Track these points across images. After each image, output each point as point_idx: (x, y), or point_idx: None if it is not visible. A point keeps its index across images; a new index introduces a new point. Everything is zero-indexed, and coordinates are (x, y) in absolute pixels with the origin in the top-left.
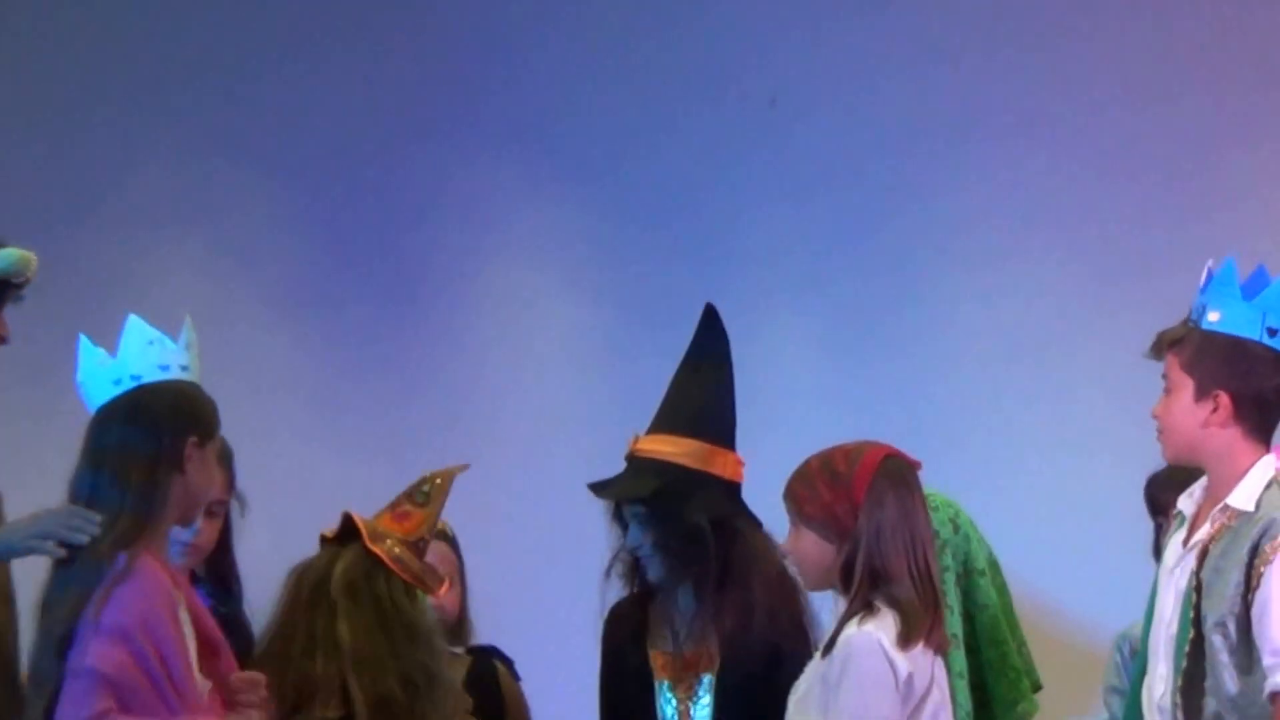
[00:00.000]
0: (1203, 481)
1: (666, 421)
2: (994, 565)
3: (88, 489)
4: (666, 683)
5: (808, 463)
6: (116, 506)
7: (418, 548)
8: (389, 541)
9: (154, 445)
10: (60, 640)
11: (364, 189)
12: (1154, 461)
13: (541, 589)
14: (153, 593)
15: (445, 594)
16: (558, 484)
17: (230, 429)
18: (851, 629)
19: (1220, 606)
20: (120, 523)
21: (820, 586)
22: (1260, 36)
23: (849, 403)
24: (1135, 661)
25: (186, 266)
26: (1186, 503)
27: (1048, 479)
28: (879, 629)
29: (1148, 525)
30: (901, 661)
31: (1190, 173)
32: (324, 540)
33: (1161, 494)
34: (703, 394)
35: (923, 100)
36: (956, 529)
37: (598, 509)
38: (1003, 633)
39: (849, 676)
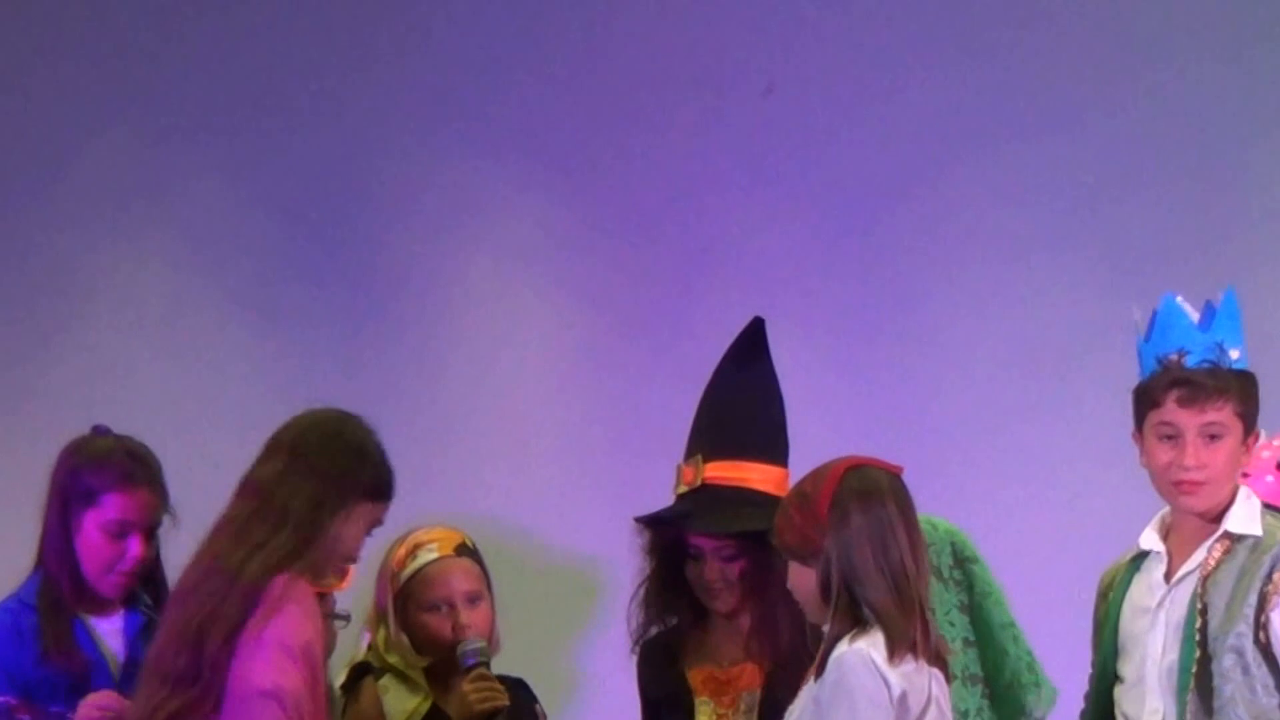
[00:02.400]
0: (1164, 520)
1: (739, 446)
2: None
3: (270, 481)
4: (708, 700)
5: (788, 494)
6: (278, 522)
7: None
8: None
9: (338, 483)
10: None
11: (341, 188)
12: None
13: (521, 595)
14: (314, 617)
15: (474, 612)
16: (538, 491)
17: (193, 429)
18: (843, 647)
19: (1234, 626)
20: (278, 542)
21: (821, 619)
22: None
23: (846, 409)
24: (1092, 702)
25: (144, 258)
26: (1154, 540)
27: (1049, 489)
28: (870, 646)
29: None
30: (895, 678)
31: (1196, 180)
32: None
33: None
34: (765, 412)
35: (925, 93)
36: (935, 527)
37: (577, 515)
38: (1010, 615)
39: (840, 694)
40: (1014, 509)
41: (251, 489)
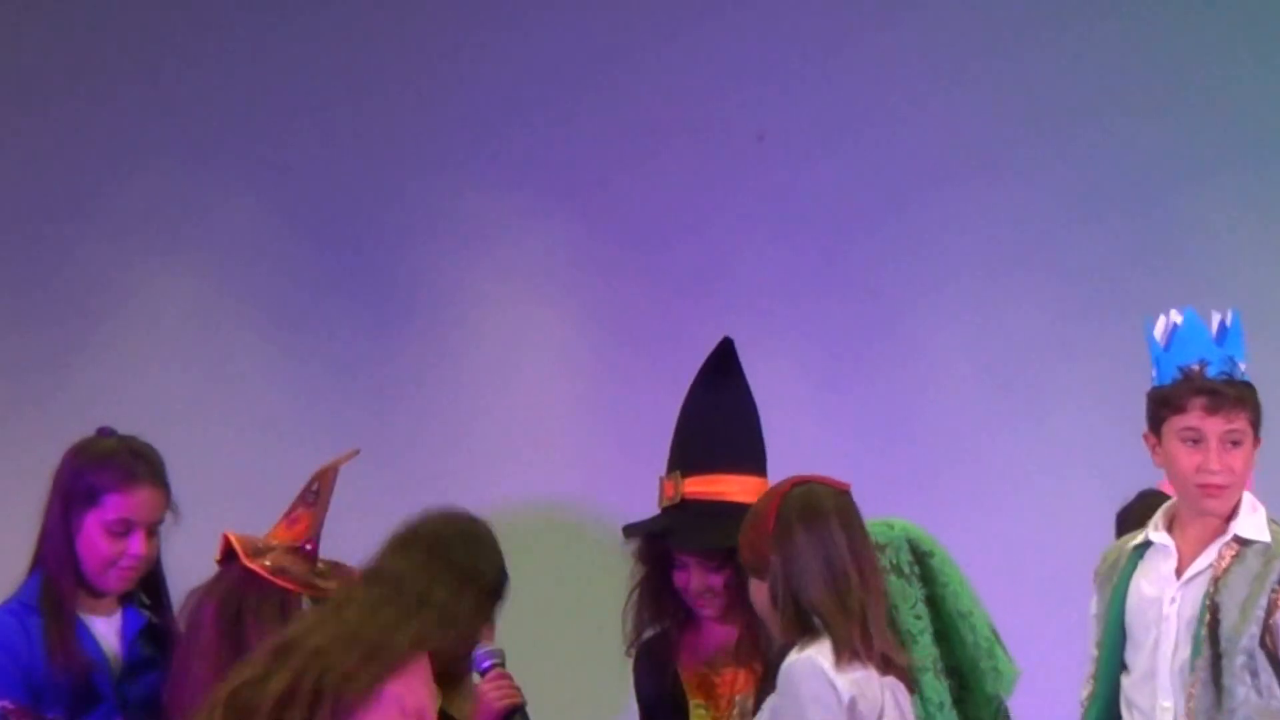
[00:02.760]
0: (1170, 513)
1: (713, 460)
2: (945, 552)
3: (406, 571)
4: (702, 703)
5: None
6: (415, 605)
7: (305, 552)
8: (272, 554)
9: (476, 583)
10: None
11: (356, 211)
12: (1132, 485)
13: (535, 609)
14: (433, 691)
15: None
16: (550, 507)
17: (218, 441)
18: (792, 656)
19: (1246, 628)
20: (419, 622)
21: (778, 632)
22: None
23: (836, 433)
24: (1094, 700)
25: (174, 277)
26: (1161, 535)
27: (1028, 503)
28: (818, 653)
29: None
30: (844, 684)
31: (1166, 205)
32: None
33: (1130, 529)
34: (739, 426)
35: (907, 137)
36: (891, 527)
37: (592, 531)
38: (968, 604)
39: (789, 701)
40: (989, 515)
41: (382, 577)
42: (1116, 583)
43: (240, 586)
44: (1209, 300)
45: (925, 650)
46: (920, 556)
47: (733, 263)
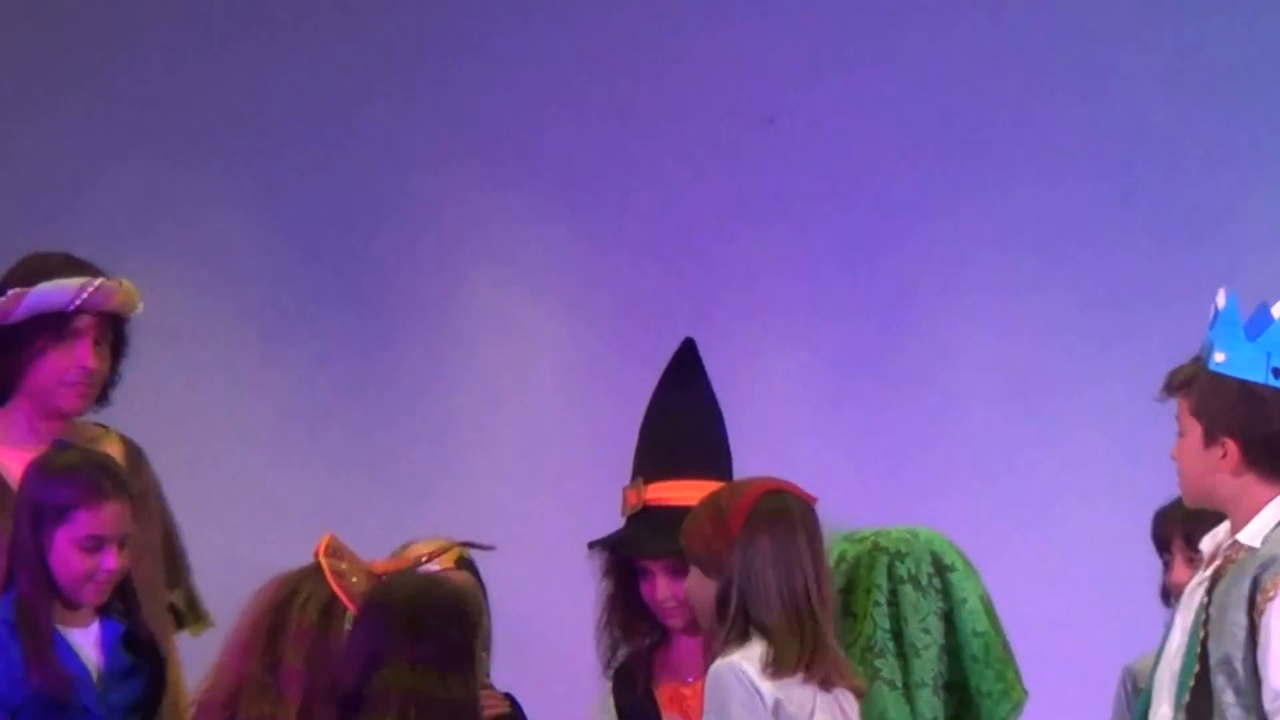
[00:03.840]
0: (1227, 524)
1: (675, 466)
2: (970, 567)
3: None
4: (676, 717)
5: (700, 502)
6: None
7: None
8: (351, 565)
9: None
10: None
11: (347, 209)
12: (1155, 498)
13: (527, 610)
14: None
15: None
16: (544, 508)
17: (206, 446)
18: (718, 661)
19: (1224, 644)
20: None
21: (711, 625)
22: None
23: (849, 439)
24: (1139, 699)
25: (160, 279)
26: (1209, 543)
27: (1046, 514)
28: (743, 658)
29: (1149, 562)
30: (768, 689)
31: (1192, 203)
32: None
33: (1165, 529)
34: (702, 430)
35: (924, 125)
36: (916, 536)
37: (585, 532)
38: (984, 624)
39: (713, 704)
40: (1008, 525)
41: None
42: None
43: (302, 574)
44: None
45: (927, 665)
46: (941, 569)
47: (738, 266)
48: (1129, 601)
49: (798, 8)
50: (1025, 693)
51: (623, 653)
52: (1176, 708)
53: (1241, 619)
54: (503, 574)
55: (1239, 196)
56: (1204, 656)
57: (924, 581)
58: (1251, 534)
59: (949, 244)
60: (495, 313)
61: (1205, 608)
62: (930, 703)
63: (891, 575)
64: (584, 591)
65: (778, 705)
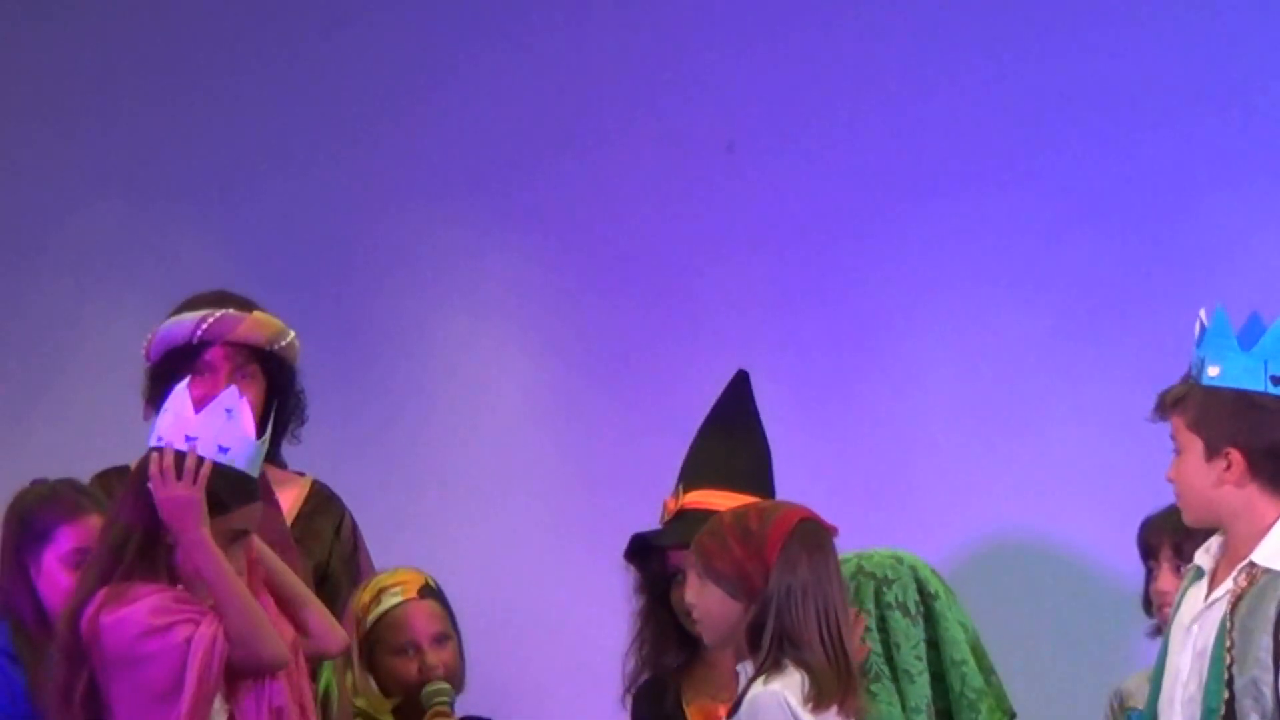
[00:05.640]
0: (1218, 537)
1: (715, 477)
2: (950, 593)
3: None
4: None
5: (720, 518)
6: None
7: None
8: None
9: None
10: None
11: (315, 241)
12: (1132, 519)
13: (497, 641)
14: None
15: (441, 652)
16: (514, 540)
17: None
18: (757, 687)
19: (1249, 668)
20: None
21: (722, 644)
22: (1234, 78)
23: (816, 457)
24: (1143, 716)
25: (129, 310)
26: (1204, 558)
27: (1021, 530)
28: (785, 687)
29: (1129, 581)
30: (807, 719)
31: (1174, 212)
32: None
33: (1154, 537)
34: (748, 451)
35: (888, 148)
36: (901, 561)
37: (554, 565)
38: (962, 652)
39: None
40: (979, 534)
41: None
42: (1173, 610)
43: None
44: (1192, 314)
45: (921, 691)
46: (925, 596)
47: (704, 290)
48: (1104, 617)
49: (755, 35)
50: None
51: (644, 676)
52: None
53: (1267, 642)
54: (474, 602)
55: (1212, 210)
56: (1230, 682)
57: (912, 609)
58: (1269, 555)
59: (914, 267)
60: (461, 344)
61: (1229, 632)
62: (918, 694)
63: (879, 601)
64: (557, 619)
65: None
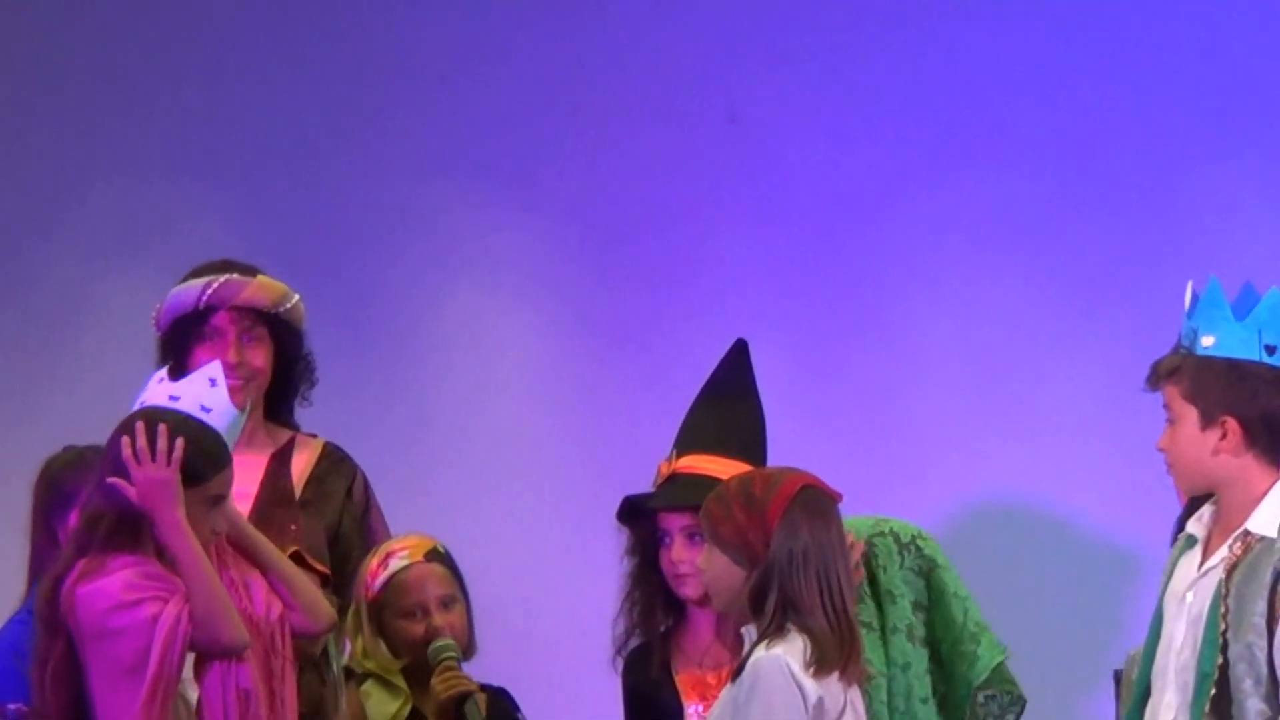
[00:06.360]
0: (1211, 505)
1: (708, 442)
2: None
3: None
4: (696, 704)
5: (726, 484)
6: None
7: None
8: None
9: None
10: None
11: (319, 212)
12: (1126, 486)
13: (505, 605)
14: None
15: (449, 615)
16: (522, 505)
17: None
18: (760, 652)
19: (1244, 634)
20: None
21: (729, 609)
22: (1233, 52)
23: (816, 425)
24: (1136, 686)
25: (145, 287)
26: (1196, 526)
27: (1018, 500)
28: (787, 652)
29: (1122, 545)
30: (810, 686)
31: (1163, 191)
32: None
33: None
34: (742, 418)
35: (889, 119)
36: (888, 520)
37: (561, 532)
38: (965, 589)
39: (756, 699)
40: (977, 510)
41: None
42: (1165, 578)
43: None
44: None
45: (902, 613)
46: (917, 537)
47: (705, 260)
48: (1099, 588)
49: (758, 9)
50: (1000, 655)
51: (636, 640)
52: (1196, 698)
53: (1262, 607)
54: (482, 573)
55: (1205, 184)
56: (1224, 648)
57: (905, 539)
58: (1264, 522)
59: (913, 237)
60: (463, 314)
61: (1224, 599)
62: (903, 649)
63: (874, 530)
64: (563, 590)
65: (819, 702)
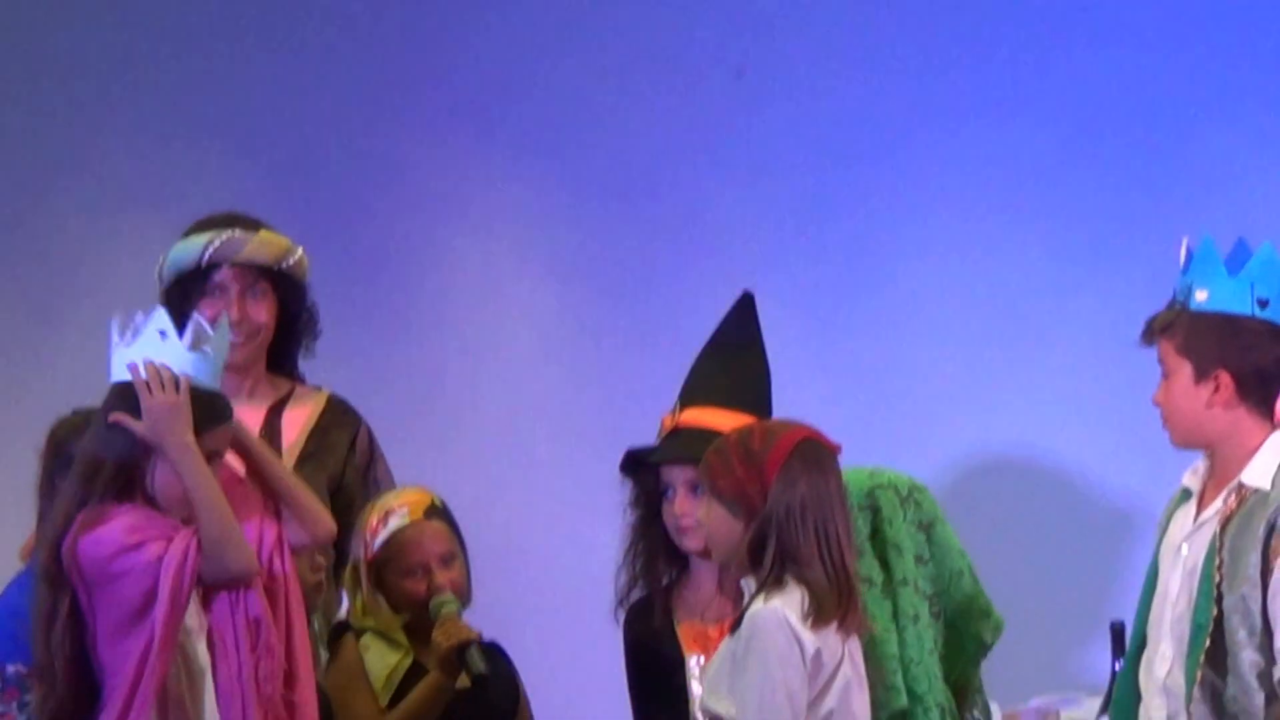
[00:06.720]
0: (1205, 459)
1: (712, 395)
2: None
3: None
4: (698, 655)
5: (726, 437)
6: None
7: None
8: None
9: None
10: None
11: (326, 170)
12: (1124, 437)
13: (508, 563)
14: None
15: (449, 571)
16: (528, 465)
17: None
18: (758, 604)
19: (1238, 586)
20: None
21: (727, 560)
22: (1232, 7)
23: (819, 381)
24: (1131, 638)
25: (150, 248)
26: (1191, 479)
27: (1015, 451)
28: (785, 604)
29: (1118, 498)
30: (808, 637)
31: (1163, 150)
32: None
33: None
34: (747, 372)
35: (895, 75)
36: (881, 473)
37: (570, 488)
38: (958, 544)
39: (754, 651)
40: (980, 464)
41: None
42: (1160, 531)
43: None
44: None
45: (907, 567)
46: (915, 489)
47: (713, 215)
48: (1100, 540)
49: None
50: (1002, 620)
51: (638, 592)
52: (1191, 649)
53: (1256, 559)
54: (486, 525)
55: (1210, 134)
56: (1219, 599)
57: (904, 492)
58: (1257, 475)
59: (917, 192)
60: (470, 270)
61: (1218, 551)
62: (911, 600)
63: (873, 482)
64: (566, 541)
65: (817, 654)
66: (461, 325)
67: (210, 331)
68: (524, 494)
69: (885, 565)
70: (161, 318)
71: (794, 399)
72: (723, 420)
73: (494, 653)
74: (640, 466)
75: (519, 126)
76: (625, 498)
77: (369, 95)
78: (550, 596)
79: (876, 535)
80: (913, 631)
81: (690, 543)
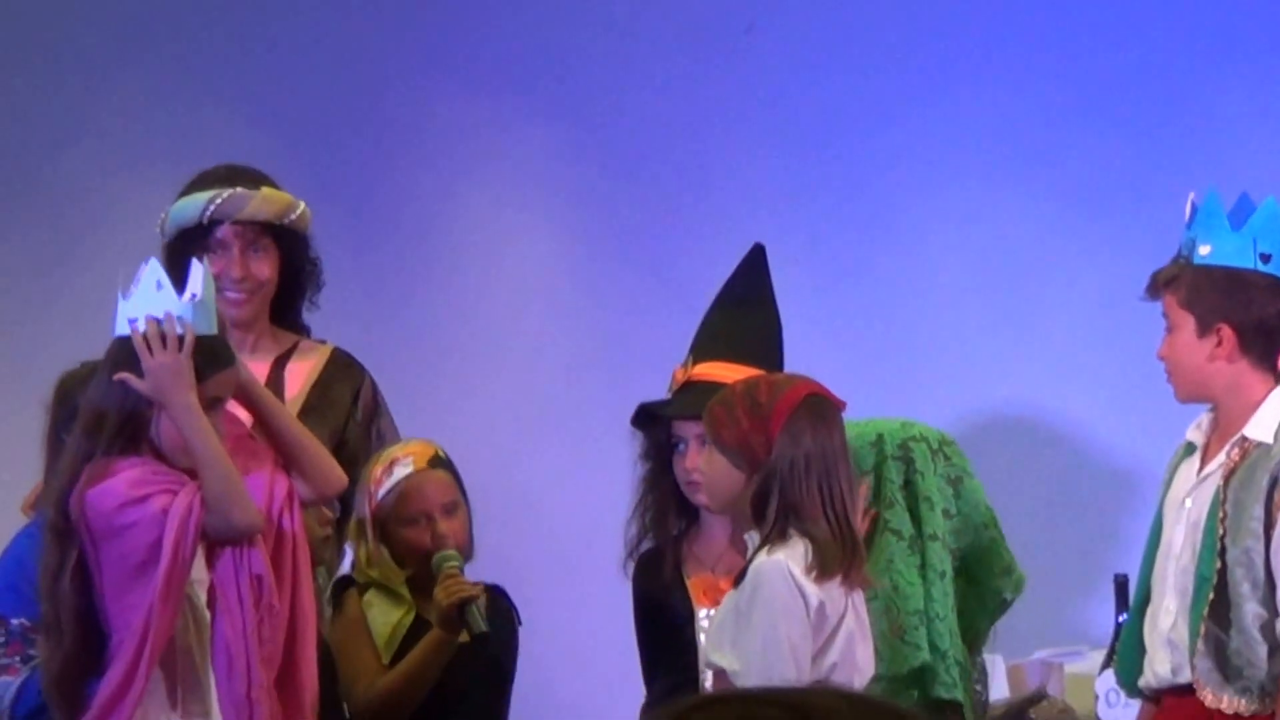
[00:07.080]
0: (1209, 413)
1: (724, 349)
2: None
3: None
4: (707, 609)
5: (732, 388)
6: None
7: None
8: None
9: None
10: None
11: (339, 127)
12: (1128, 389)
13: (518, 515)
14: None
15: (452, 521)
16: (535, 414)
17: None
18: (762, 557)
19: (1243, 539)
20: None
21: (724, 510)
22: None
23: (828, 340)
24: (1136, 591)
25: (159, 206)
26: (1195, 433)
27: (1021, 408)
28: (789, 557)
29: (1127, 457)
30: (811, 590)
31: (1169, 100)
32: None
33: None
34: (758, 325)
35: (902, 28)
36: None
37: (576, 448)
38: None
39: (758, 604)
40: (984, 422)
41: None
42: (1164, 485)
43: None
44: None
45: (937, 521)
46: (945, 442)
47: (722, 170)
48: (1104, 494)
49: None
50: (1024, 575)
51: (648, 544)
52: (1194, 602)
53: (1259, 512)
54: (496, 478)
55: (1213, 91)
56: (1223, 552)
57: (935, 445)
58: (1260, 429)
59: (925, 147)
60: (482, 229)
61: (1222, 504)
62: (939, 554)
63: (906, 434)
64: (577, 494)
65: (821, 607)
66: (471, 278)
67: (200, 278)
68: (533, 445)
69: (915, 518)
70: (156, 269)
71: (804, 352)
72: (734, 374)
73: (496, 597)
74: (652, 420)
75: (528, 80)
76: (636, 451)
77: (381, 56)
78: (557, 546)
79: (908, 486)
80: (940, 587)
81: (701, 497)
